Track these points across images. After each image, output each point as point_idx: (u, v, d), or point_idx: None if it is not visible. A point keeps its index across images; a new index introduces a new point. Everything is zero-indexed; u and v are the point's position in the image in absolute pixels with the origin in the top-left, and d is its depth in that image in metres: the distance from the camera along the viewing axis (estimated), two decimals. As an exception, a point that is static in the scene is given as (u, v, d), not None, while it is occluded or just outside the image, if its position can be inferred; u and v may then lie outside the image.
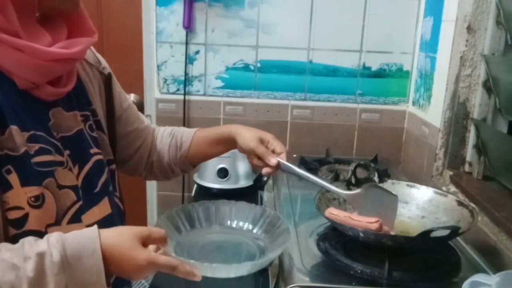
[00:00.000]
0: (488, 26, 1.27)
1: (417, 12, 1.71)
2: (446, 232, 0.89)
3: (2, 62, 0.66)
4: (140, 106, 1.87)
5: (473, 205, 1.10)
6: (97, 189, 0.79)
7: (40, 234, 0.66)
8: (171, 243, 0.81)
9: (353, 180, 1.10)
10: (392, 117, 1.81)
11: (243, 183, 1.69)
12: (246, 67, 1.79)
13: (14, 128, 0.66)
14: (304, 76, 1.79)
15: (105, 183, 0.81)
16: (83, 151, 0.78)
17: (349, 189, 1.09)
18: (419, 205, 1.10)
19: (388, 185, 1.13)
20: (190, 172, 1.10)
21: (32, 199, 0.66)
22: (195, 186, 1.77)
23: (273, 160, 0.95)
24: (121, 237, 0.65)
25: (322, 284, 0.87)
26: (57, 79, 0.73)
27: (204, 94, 1.82)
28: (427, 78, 1.61)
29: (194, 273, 0.68)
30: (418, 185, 1.13)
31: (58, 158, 0.72)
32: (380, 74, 1.78)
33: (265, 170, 0.97)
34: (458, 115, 1.35)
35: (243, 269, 0.76)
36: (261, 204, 1.57)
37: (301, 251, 0.96)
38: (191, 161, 1.05)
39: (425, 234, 0.87)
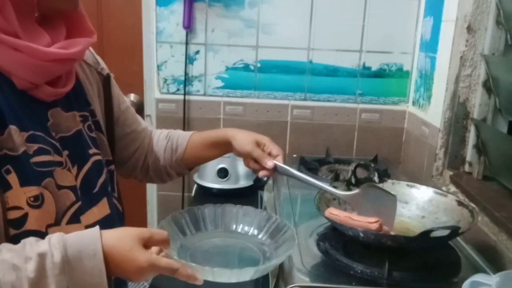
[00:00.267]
0: (488, 26, 1.27)
1: (417, 12, 1.71)
2: (446, 232, 0.89)
3: (1, 62, 0.66)
4: (140, 106, 1.88)
5: (473, 205, 1.10)
6: (96, 189, 0.79)
7: (40, 234, 0.66)
8: (174, 245, 0.80)
9: (353, 180, 1.10)
10: (392, 117, 1.81)
11: (243, 183, 1.69)
12: (246, 67, 1.79)
13: (13, 128, 0.66)
14: (304, 76, 1.79)
15: (104, 184, 0.81)
16: (82, 151, 0.78)
17: (349, 189, 1.09)
18: (419, 205, 1.10)
19: (388, 185, 1.13)
20: (187, 174, 1.10)
21: (32, 199, 0.66)
22: (195, 186, 1.77)
23: (269, 163, 0.95)
24: (122, 238, 0.65)
25: (322, 284, 0.87)
26: (56, 80, 0.73)
27: (204, 94, 1.82)
28: (427, 78, 1.61)
29: (195, 277, 0.68)
30: (418, 185, 1.13)
31: (57, 158, 0.71)
32: (380, 74, 1.78)
33: (262, 173, 0.97)
34: (458, 115, 1.35)
35: (245, 274, 0.75)
36: (261, 204, 1.57)
37: (301, 251, 0.96)
38: (186, 164, 1.05)
39: (425, 234, 0.87)
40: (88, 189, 0.77)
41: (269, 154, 0.98)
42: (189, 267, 0.69)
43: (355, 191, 0.98)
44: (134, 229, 0.67)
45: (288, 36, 1.75)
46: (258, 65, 1.78)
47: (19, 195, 0.65)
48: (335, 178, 1.39)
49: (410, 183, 1.14)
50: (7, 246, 0.61)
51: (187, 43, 1.76)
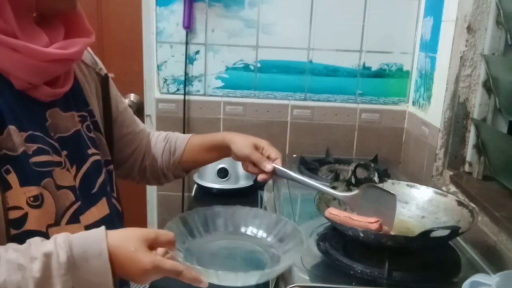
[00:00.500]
0: (488, 26, 1.27)
1: (417, 12, 1.71)
2: (446, 232, 0.89)
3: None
4: (140, 106, 1.88)
5: (473, 205, 1.10)
6: (95, 189, 0.79)
7: (40, 234, 0.66)
8: (181, 246, 0.79)
9: (353, 180, 1.10)
10: (392, 117, 1.81)
11: (243, 183, 1.69)
12: (246, 67, 1.79)
13: (12, 128, 0.66)
14: (304, 76, 1.79)
15: (103, 184, 0.81)
16: (81, 151, 0.78)
17: (349, 189, 1.09)
18: (419, 205, 1.10)
19: (388, 185, 1.13)
20: (184, 177, 1.09)
21: (31, 199, 0.66)
22: (195, 186, 1.77)
23: (268, 166, 0.95)
24: (127, 238, 0.64)
25: (322, 284, 0.87)
26: (54, 80, 0.73)
27: (204, 94, 1.82)
28: (427, 78, 1.61)
29: (200, 280, 0.67)
30: (418, 185, 1.13)
31: (55, 158, 0.71)
32: (380, 74, 1.78)
33: (260, 177, 0.98)
34: (458, 115, 1.35)
35: (250, 278, 0.73)
36: (261, 204, 1.57)
37: (301, 251, 0.96)
38: (184, 167, 1.05)
39: (425, 234, 0.87)
40: (87, 189, 0.77)
41: (268, 157, 0.98)
42: (194, 270, 0.68)
43: (355, 192, 0.98)
44: (139, 229, 0.67)
45: (288, 36, 1.75)
46: (258, 65, 1.78)
47: (19, 195, 0.65)
48: (335, 178, 1.39)
49: (410, 183, 1.15)
50: (13, 246, 0.61)
51: (187, 43, 1.76)
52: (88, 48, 0.88)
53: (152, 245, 0.66)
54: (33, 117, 0.70)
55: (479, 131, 1.31)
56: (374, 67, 1.77)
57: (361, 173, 1.17)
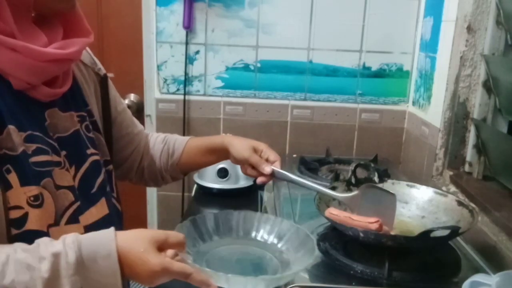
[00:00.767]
0: (488, 26, 1.27)
1: (417, 12, 1.71)
2: (446, 232, 0.89)
3: None
4: (140, 106, 1.88)
5: (473, 205, 1.10)
6: (94, 189, 0.79)
7: (41, 234, 0.66)
8: (191, 250, 0.78)
9: (353, 180, 1.10)
10: (392, 117, 1.81)
11: (243, 183, 1.69)
12: (246, 67, 1.79)
13: (11, 127, 0.66)
14: (304, 76, 1.79)
15: (102, 184, 0.81)
16: (80, 151, 0.78)
17: (349, 189, 1.09)
18: (419, 205, 1.10)
19: (388, 185, 1.13)
20: (181, 179, 1.09)
21: (32, 198, 0.66)
22: (195, 186, 1.77)
23: (267, 169, 0.95)
24: (136, 239, 0.64)
25: (322, 284, 0.87)
26: (53, 80, 0.73)
27: (204, 94, 1.82)
28: (427, 78, 1.61)
29: (209, 283, 0.66)
30: (418, 185, 1.13)
31: (55, 158, 0.71)
32: (380, 74, 1.78)
33: (259, 179, 0.98)
34: (458, 115, 1.35)
35: (259, 283, 0.72)
36: (261, 204, 1.57)
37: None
38: (182, 169, 1.05)
39: (425, 234, 0.87)
40: (86, 189, 0.77)
41: (267, 160, 0.98)
42: (203, 273, 0.67)
43: (354, 192, 0.98)
44: (149, 230, 0.66)
45: (288, 36, 1.75)
46: (258, 65, 1.78)
47: (20, 194, 0.65)
48: (335, 178, 1.38)
49: (410, 183, 1.15)
50: (21, 246, 0.61)
51: (187, 43, 1.76)
52: (87, 48, 0.88)
53: (161, 247, 0.66)
54: (32, 117, 0.70)
55: (479, 131, 1.31)
56: (374, 67, 1.77)
57: (361, 173, 1.17)
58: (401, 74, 1.78)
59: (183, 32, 1.74)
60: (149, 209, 1.94)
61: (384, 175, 1.27)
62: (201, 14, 1.74)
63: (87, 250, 0.61)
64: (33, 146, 0.68)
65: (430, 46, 1.59)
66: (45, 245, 0.61)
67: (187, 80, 1.79)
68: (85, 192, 0.77)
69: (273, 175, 0.97)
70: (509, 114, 1.19)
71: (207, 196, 1.71)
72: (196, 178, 1.74)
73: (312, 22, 1.74)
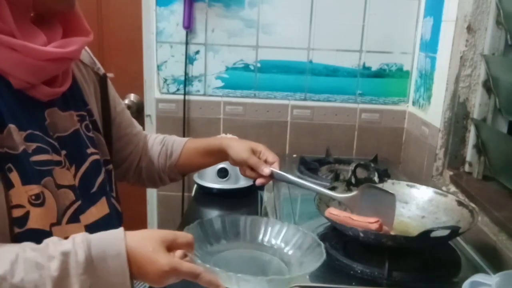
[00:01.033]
0: (488, 26, 1.27)
1: (417, 12, 1.71)
2: (446, 232, 0.89)
3: None
4: (140, 106, 1.88)
5: (473, 205, 1.10)
6: (94, 189, 0.79)
7: (43, 233, 0.66)
8: (198, 252, 0.77)
9: (353, 180, 1.10)
10: (392, 117, 1.81)
11: (243, 183, 1.69)
12: (246, 67, 1.79)
13: (12, 126, 0.66)
14: (304, 76, 1.79)
15: (102, 183, 0.81)
16: (80, 151, 0.78)
17: (349, 189, 1.09)
18: (419, 205, 1.10)
19: (388, 185, 1.13)
20: (179, 180, 1.09)
21: (33, 197, 0.66)
22: (195, 186, 1.77)
23: (266, 170, 0.96)
24: (145, 239, 0.64)
25: (322, 284, 0.87)
26: (52, 79, 0.73)
27: (204, 94, 1.82)
28: (427, 78, 1.61)
29: (218, 283, 0.66)
30: (418, 185, 1.13)
31: (55, 157, 0.71)
32: (380, 74, 1.78)
33: (258, 181, 0.98)
34: (458, 115, 1.35)
35: (269, 284, 0.71)
36: (261, 204, 1.57)
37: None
38: (180, 170, 1.05)
39: (425, 234, 0.87)
40: (87, 189, 0.77)
41: (265, 161, 0.98)
42: (212, 273, 0.67)
43: (353, 193, 0.98)
44: (158, 231, 0.66)
45: (288, 36, 1.75)
46: (258, 65, 1.78)
47: (21, 193, 0.65)
48: (335, 178, 1.39)
49: (410, 183, 1.15)
50: (31, 245, 0.61)
51: (187, 43, 1.76)
52: (86, 48, 0.88)
53: (170, 247, 0.65)
54: (32, 116, 0.70)
55: (479, 131, 1.31)
56: (374, 67, 1.77)
57: (361, 173, 1.17)
58: (401, 74, 1.78)
59: (183, 32, 1.74)
60: (149, 209, 1.94)
61: (384, 175, 1.27)
62: (201, 14, 1.74)
63: (96, 250, 0.61)
64: (34, 145, 0.68)
65: (430, 46, 1.59)
66: (54, 244, 0.61)
67: (187, 80, 1.79)
68: (86, 191, 0.77)
69: (272, 176, 0.97)
70: (509, 114, 1.19)
71: (207, 196, 1.71)
72: (196, 178, 1.74)
73: (312, 22, 1.74)
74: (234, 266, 0.82)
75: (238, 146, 0.98)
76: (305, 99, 1.81)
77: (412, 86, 1.77)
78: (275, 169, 0.96)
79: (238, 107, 1.82)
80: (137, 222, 1.91)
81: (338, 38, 1.75)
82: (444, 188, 1.30)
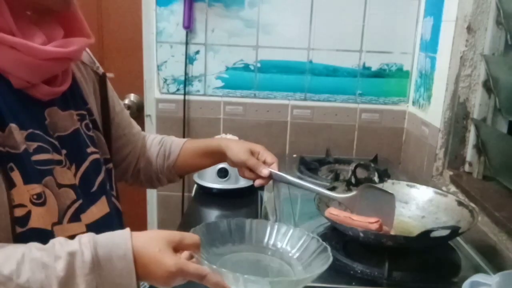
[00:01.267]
0: (488, 26, 1.27)
1: (417, 12, 1.71)
2: (446, 232, 0.89)
3: None
4: (140, 106, 1.88)
5: (473, 205, 1.10)
6: (94, 188, 0.79)
7: (45, 232, 0.66)
8: (204, 254, 0.76)
9: (353, 180, 1.10)
10: (392, 117, 1.81)
11: (243, 183, 1.69)
12: (246, 67, 1.79)
13: (13, 126, 0.66)
14: (304, 76, 1.79)
15: (102, 182, 0.81)
16: (80, 150, 0.78)
17: (349, 189, 1.09)
18: (419, 205, 1.10)
19: (388, 185, 1.13)
20: (177, 181, 1.09)
21: (35, 196, 0.66)
22: (195, 186, 1.77)
23: (265, 171, 0.95)
24: (152, 240, 0.64)
25: (322, 284, 0.87)
26: (52, 79, 0.73)
27: (204, 94, 1.82)
28: (427, 78, 1.61)
29: (224, 285, 0.66)
30: (418, 185, 1.13)
31: (56, 157, 0.71)
32: (380, 74, 1.78)
33: (257, 182, 0.98)
34: (458, 115, 1.35)
35: (277, 285, 0.70)
36: (261, 204, 1.57)
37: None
38: (178, 171, 1.05)
39: (425, 234, 0.87)
40: (87, 188, 0.77)
41: (264, 162, 0.98)
42: (219, 274, 0.66)
43: (352, 193, 0.98)
44: (165, 231, 0.66)
45: (288, 36, 1.75)
46: (258, 65, 1.78)
47: (23, 193, 0.65)
48: (335, 178, 1.39)
49: (410, 183, 1.15)
50: (37, 245, 0.61)
51: (187, 43, 1.76)
52: (86, 48, 0.88)
53: (177, 248, 0.65)
54: (32, 115, 0.70)
55: (479, 131, 1.31)
56: (374, 67, 1.77)
57: (361, 173, 1.17)
58: (401, 74, 1.78)
59: (183, 32, 1.74)
60: (149, 209, 1.94)
61: (384, 175, 1.27)
62: (201, 14, 1.74)
63: (103, 250, 0.61)
64: (34, 145, 0.68)
65: (430, 46, 1.59)
66: (60, 244, 0.61)
67: (187, 80, 1.79)
68: (86, 190, 0.77)
69: (270, 177, 0.97)
70: (509, 114, 1.19)
71: (207, 196, 1.71)
72: (196, 178, 1.74)
73: (312, 22, 1.74)
74: (240, 268, 0.80)
75: (236, 148, 0.98)
76: (305, 99, 1.81)
77: (412, 86, 1.77)
78: (274, 170, 0.96)
79: (238, 107, 1.82)
80: (137, 222, 1.91)
81: (338, 38, 1.75)
82: (444, 188, 1.30)
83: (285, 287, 0.73)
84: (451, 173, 1.36)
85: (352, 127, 1.83)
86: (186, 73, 1.79)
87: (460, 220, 1.00)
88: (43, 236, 0.64)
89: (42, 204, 0.67)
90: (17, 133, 0.66)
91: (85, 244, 0.60)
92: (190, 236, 0.68)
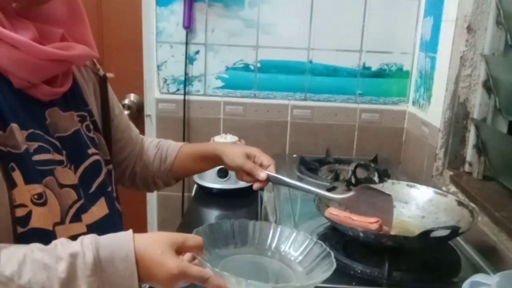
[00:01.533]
0: (488, 26, 1.27)
1: (417, 12, 1.71)
2: (446, 232, 0.89)
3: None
4: (140, 106, 1.88)
5: (473, 205, 1.10)
6: (92, 189, 0.79)
7: (46, 232, 0.66)
8: (206, 256, 0.76)
9: (353, 180, 1.10)
10: (392, 117, 1.81)
11: (243, 183, 1.67)
12: (246, 67, 1.79)
13: (14, 126, 0.66)
14: (304, 76, 1.79)
15: (101, 184, 0.81)
16: (81, 151, 0.78)
17: (349, 189, 1.09)
18: (419, 205, 1.10)
19: (388, 185, 1.13)
20: (174, 185, 1.09)
21: (36, 196, 0.66)
22: (195, 186, 1.77)
23: (262, 175, 0.96)
24: (154, 241, 0.64)
25: (322, 284, 0.87)
26: (53, 79, 0.73)
27: (204, 94, 1.82)
28: (427, 78, 1.61)
29: None
30: (418, 185, 1.13)
31: (56, 157, 0.71)
32: (380, 74, 1.78)
33: (256, 185, 0.98)
34: (458, 115, 1.35)
35: None
36: (261, 204, 1.57)
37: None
38: (174, 175, 1.05)
39: (425, 234, 0.87)
40: (85, 189, 0.77)
41: (260, 165, 0.98)
42: (221, 277, 0.66)
43: (350, 193, 0.99)
44: (167, 233, 0.66)
45: (288, 36, 1.75)
46: (258, 65, 1.78)
47: (24, 193, 0.65)
48: (335, 178, 1.39)
49: (410, 183, 1.15)
50: (38, 246, 0.61)
51: (187, 43, 1.76)
52: None
53: (179, 249, 0.65)
54: (32, 115, 0.70)
55: (479, 131, 1.31)
56: (374, 67, 1.77)
57: (361, 173, 1.17)
58: (401, 74, 1.78)
59: (183, 32, 1.74)
60: (149, 209, 1.94)
61: (384, 175, 1.26)
62: (201, 14, 1.74)
63: (105, 251, 0.61)
64: (35, 145, 0.68)
65: (430, 46, 1.59)
66: (62, 246, 0.61)
67: (187, 80, 1.79)
68: (85, 191, 0.77)
69: (268, 180, 0.97)
70: (509, 114, 1.19)
71: (207, 196, 1.71)
72: (196, 178, 1.74)
73: (312, 22, 1.74)
74: (242, 271, 0.80)
75: (232, 153, 0.98)
76: (305, 99, 1.81)
77: (412, 86, 1.77)
78: (271, 172, 0.96)
79: (238, 107, 1.82)
80: (137, 222, 1.91)
81: (338, 38, 1.75)
82: (444, 188, 1.30)
83: None
84: (451, 173, 1.36)
85: (352, 127, 1.83)
86: (186, 73, 1.79)
87: (460, 220, 1.00)
88: (44, 236, 0.64)
89: (43, 204, 0.67)
90: (18, 133, 0.66)
91: (87, 245, 0.60)
92: (193, 238, 0.68)
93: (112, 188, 0.86)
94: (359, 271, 0.91)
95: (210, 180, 1.69)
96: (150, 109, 1.84)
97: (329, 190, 1.10)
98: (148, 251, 0.62)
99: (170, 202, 1.90)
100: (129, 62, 1.84)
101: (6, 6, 0.68)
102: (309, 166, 1.56)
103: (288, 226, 0.89)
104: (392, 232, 0.96)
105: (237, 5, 1.72)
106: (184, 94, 1.80)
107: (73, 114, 0.78)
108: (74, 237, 0.63)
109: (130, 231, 0.64)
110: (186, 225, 1.45)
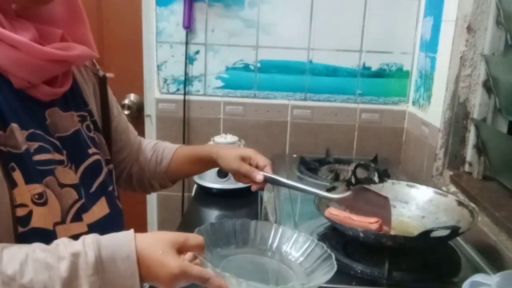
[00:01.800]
0: (488, 26, 1.27)
1: (417, 12, 1.71)
2: (446, 232, 0.89)
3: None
4: (140, 106, 1.88)
5: (473, 205, 1.10)
6: (93, 189, 0.79)
7: (47, 232, 0.66)
8: (207, 255, 0.76)
9: (353, 180, 1.10)
10: (392, 117, 1.81)
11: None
12: (246, 67, 1.79)
13: (14, 125, 0.66)
14: (304, 76, 1.79)
15: (102, 183, 0.81)
16: (81, 151, 0.78)
17: (349, 189, 1.09)
18: (419, 205, 1.10)
19: (388, 185, 1.13)
20: (170, 187, 1.09)
21: (36, 196, 0.66)
22: (195, 186, 1.77)
23: (259, 176, 0.96)
24: (155, 241, 0.64)
25: (322, 284, 0.87)
26: (53, 79, 0.73)
27: (204, 94, 1.82)
28: (427, 78, 1.61)
29: None
30: (418, 185, 1.13)
31: (57, 157, 0.72)
32: (380, 74, 1.78)
33: (254, 187, 0.98)
34: (458, 115, 1.35)
35: None
36: (261, 204, 1.57)
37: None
38: (170, 177, 1.05)
39: (425, 234, 0.87)
40: (86, 189, 0.77)
41: (256, 166, 0.98)
42: (222, 278, 0.66)
43: (346, 193, 0.99)
44: (168, 233, 0.66)
45: (288, 36, 1.75)
46: (258, 65, 1.78)
47: (24, 192, 0.65)
48: (335, 178, 1.39)
49: (410, 183, 1.15)
50: (40, 246, 0.61)
51: (187, 43, 1.76)
52: None
53: (181, 249, 0.65)
54: (33, 116, 0.70)
55: (479, 131, 1.31)
56: (374, 67, 1.77)
57: (361, 173, 1.17)
58: (401, 74, 1.78)
59: (183, 32, 1.74)
60: (149, 209, 1.94)
61: (384, 175, 1.27)
62: (201, 14, 1.74)
63: (106, 251, 0.61)
64: (35, 145, 0.68)
65: (430, 46, 1.59)
66: (64, 245, 0.61)
67: (187, 80, 1.79)
68: (85, 191, 0.77)
69: (266, 181, 0.97)
70: (509, 114, 1.19)
71: (207, 196, 1.71)
72: (196, 178, 1.74)
73: (312, 22, 1.74)
74: (242, 271, 0.80)
75: (227, 156, 0.98)
76: (305, 99, 1.81)
77: (412, 86, 1.77)
78: (268, 173, 0.96)
79: (238, 107, 1.82)
80: (137, 222, 1.91)
81: (338, 38, 1.75)
82: (444, 188, 1.30)
83: None
84: (451, 173, 1.36)
85: (352, 127, 1.83)
86: (186, 73, 1.79)
87: (460, 220, 1.00)
88: (45, 235, 0.64)
89: (44, 204, 0.67)
90: (18, 133, 0.66)
91: (89, 245, 0.60)
92: (194, 237, 0.68)
93: (113, 187, 0.86)
94: (359, 271, 0.91)
95: (210, 180, 1.69)
96: (150, 109, 1.84)
97: (329, 190, 1.10)
98: (149, 250, 0.62)
99: (170, 202, 1.90)
100: (129, 62, 1.84)
101: (5, 7, 0.68)
102: (309, 166, 1.56)
103: (288, 226, 0.89)
104: (392, 232, 0.96)
105: (237, 5, 1.72)
106: (184, 94, 1.80)
107: (73, 114, 0.78)
108: (75, 237, 0.63)
109: (132, 230, 0.64)
110: (186, 225, 1.45)
